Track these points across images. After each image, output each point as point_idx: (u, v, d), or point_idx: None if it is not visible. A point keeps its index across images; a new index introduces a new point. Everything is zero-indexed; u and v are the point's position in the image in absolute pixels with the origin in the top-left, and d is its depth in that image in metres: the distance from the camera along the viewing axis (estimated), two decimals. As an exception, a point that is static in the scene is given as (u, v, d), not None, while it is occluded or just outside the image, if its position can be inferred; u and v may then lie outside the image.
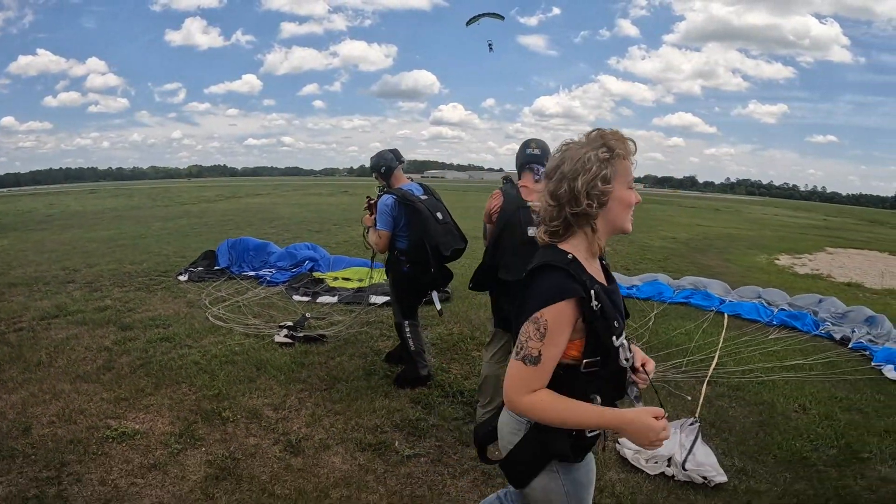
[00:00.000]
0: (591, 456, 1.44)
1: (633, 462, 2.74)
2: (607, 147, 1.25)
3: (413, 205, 3.29)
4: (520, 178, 2.87)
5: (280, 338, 4.30)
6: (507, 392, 1.27)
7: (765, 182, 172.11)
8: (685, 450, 2.69)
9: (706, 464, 2.66)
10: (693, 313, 5.68)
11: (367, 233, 3.52)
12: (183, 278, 6.56)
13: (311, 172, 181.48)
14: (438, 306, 3.59)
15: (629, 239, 10.92)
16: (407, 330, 3.55)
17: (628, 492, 2.52)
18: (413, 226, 3.31)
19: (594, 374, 1.27)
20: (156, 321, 4.83)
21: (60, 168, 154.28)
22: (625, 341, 1.32)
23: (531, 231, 2.62)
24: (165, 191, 36.82)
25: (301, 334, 4.40)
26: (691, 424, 2.88)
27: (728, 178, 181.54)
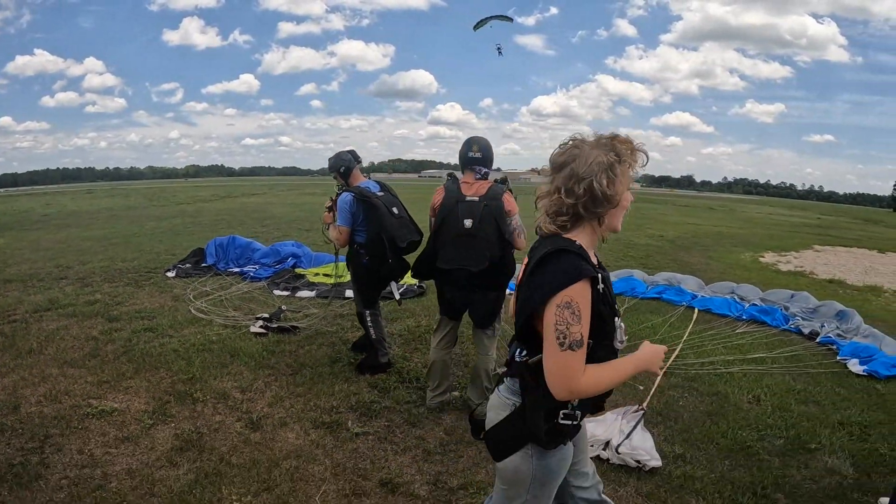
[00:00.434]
0: (569, 449, 1.50)
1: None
2: (617, 153, 1.35)
3: (370, 201, 3.52)
4: (462, 175, 3.11)
5: (255, 328, 4.60)
6: (567, 384, 1.29)
7: (762, 181, 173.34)
8: (623, 435, 2.74)
9: (640, 448, 2.67)
10: (664, 308, 5.72)
11: (328, 229, 3.80)
12: (171, 274, 6.85)
13: (308, 172, 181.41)
14: (397, 296, 3.89)
15: (615, 236, 10.44)
16: (368, 319, 3.80)
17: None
18: (370, 221, 3.54)
19: (589, 355, 1.33)
20: (141, 313, 5.12)
21: (58, 168, 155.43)
22: (622, 324, 1.43)
23: (467, 223, 2.92)
24: (162, 191, 37.10)
25: (275, 325, 4.70)
26: (635, 412, 2.94)
27: (725, 178, 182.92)
